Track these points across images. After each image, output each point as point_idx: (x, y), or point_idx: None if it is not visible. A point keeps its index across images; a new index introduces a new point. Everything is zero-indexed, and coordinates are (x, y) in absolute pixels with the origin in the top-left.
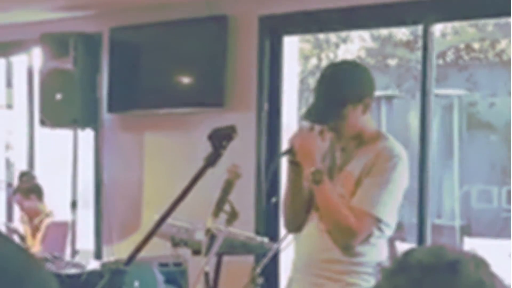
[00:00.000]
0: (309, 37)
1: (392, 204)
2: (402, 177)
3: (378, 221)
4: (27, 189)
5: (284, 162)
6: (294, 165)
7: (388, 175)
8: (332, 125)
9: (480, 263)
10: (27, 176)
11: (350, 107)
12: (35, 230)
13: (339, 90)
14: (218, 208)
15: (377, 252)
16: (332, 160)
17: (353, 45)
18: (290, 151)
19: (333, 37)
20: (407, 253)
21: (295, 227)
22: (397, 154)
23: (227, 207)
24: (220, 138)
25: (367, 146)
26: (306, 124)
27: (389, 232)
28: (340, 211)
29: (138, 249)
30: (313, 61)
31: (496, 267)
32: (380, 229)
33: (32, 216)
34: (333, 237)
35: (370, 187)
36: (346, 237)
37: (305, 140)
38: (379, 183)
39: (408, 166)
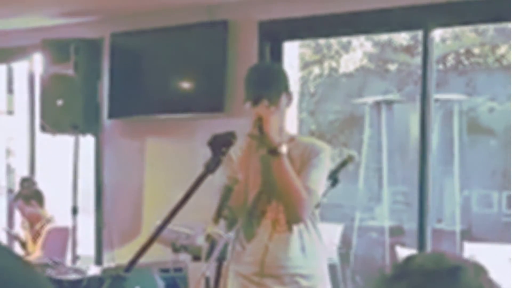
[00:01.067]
0: (309, 42)
1: (322, 188)
2: (328, 165)
3: (316, 199)
4: (28, 195)
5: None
6: (260, 137)
7: (323, 164)
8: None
9: (480, 270)
10: (28, 182)
11: (283, 94)
12: (36, 236)
13: (279, 78)
14: (218, 213)
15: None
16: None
17: (355, 53)
18: (259, 121)
19: (334, 42)
20: (408, 259)
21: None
22: (324, 146)
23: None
24: (220, 144)
25: (292, 144)
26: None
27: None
28: (295, 183)
29: (139, 255)
30: (315, 68)
31: (496, 272)
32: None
33: (33, 222)
34: (286, 210)
35: (310, 171)
36: (299, 209)
37: (270, 113)
38: (317, 170)
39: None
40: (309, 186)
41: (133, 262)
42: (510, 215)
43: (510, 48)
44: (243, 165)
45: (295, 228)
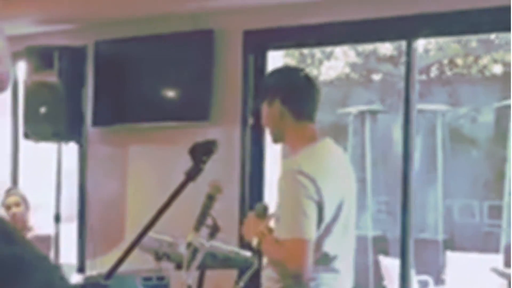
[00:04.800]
0: (293, 51)
1: (304, 218)
2: (295, 190)
3: (308, 241)
4: (16, 201)
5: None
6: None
7: (285, 195)
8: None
9: None
10: (13, 190)
11: (265, 102)
12: None
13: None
14: (200, 222)
15: None
16: None
17: (337, 61)
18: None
19: (317, 52)
20: None
21: None
22: (284, 167)
23: (209, 221)
24: (200, 153)
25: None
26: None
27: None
28: (276, 257)
29: (119, 262)
30: None
31: (478, 281)
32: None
33: (18, 224)
34: None
35: (282, 215)
36: (288, 272)
37: (249, 227)
38: (286, 208)
39: (295, 177)
40: (290, 237)
41: (113, 270)
42: (491, 225)
43: (492, 59)
44: None
45: None
